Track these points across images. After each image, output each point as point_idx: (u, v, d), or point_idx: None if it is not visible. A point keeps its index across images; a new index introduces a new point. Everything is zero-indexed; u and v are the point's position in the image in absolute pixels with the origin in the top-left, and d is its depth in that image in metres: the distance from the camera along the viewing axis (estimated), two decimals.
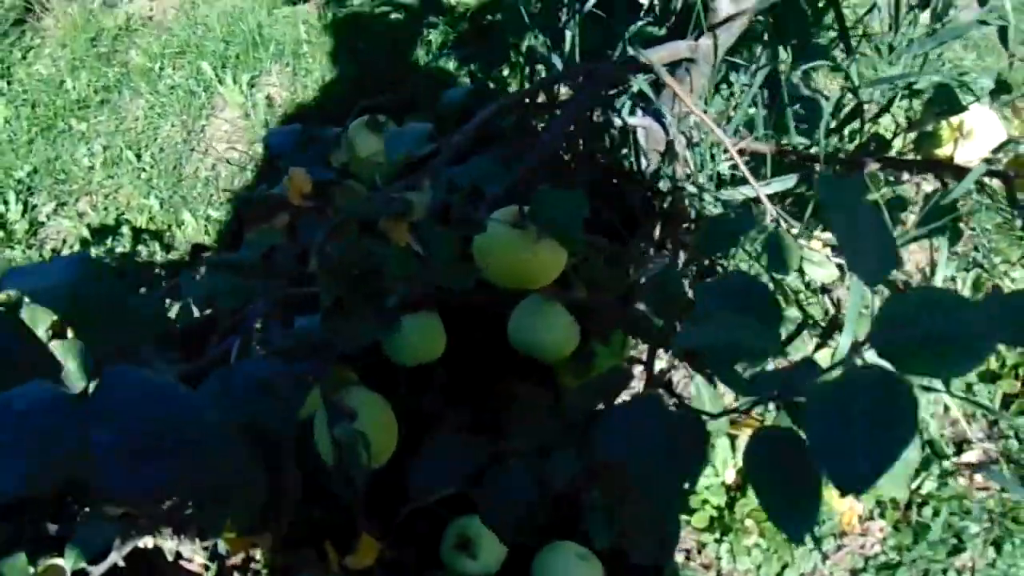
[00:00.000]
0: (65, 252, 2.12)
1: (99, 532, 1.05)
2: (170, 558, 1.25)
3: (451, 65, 2.53)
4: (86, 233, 2.15)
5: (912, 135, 1.41)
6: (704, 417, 0.90)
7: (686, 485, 0.87)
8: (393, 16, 2.81)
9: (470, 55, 2.49)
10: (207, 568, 1.32)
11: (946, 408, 1.73)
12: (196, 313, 0.99)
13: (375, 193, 0.92)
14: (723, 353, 0.83)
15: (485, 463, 1.03)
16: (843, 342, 0.86)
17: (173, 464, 0.50)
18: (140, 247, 2.12)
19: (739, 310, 0.81)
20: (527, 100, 1.36)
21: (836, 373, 0.66)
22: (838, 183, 0.68)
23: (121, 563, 1.08)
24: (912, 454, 0.84)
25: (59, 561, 1.08)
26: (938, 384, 1.57)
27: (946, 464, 1.62)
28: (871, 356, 0.68)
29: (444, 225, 0.92)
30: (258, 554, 1.37)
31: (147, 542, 1.12)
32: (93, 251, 2.11)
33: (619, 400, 1.13)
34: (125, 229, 2.15)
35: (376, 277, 0.81)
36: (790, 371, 0.85)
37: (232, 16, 2.81)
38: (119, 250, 2.12)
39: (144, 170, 2.32)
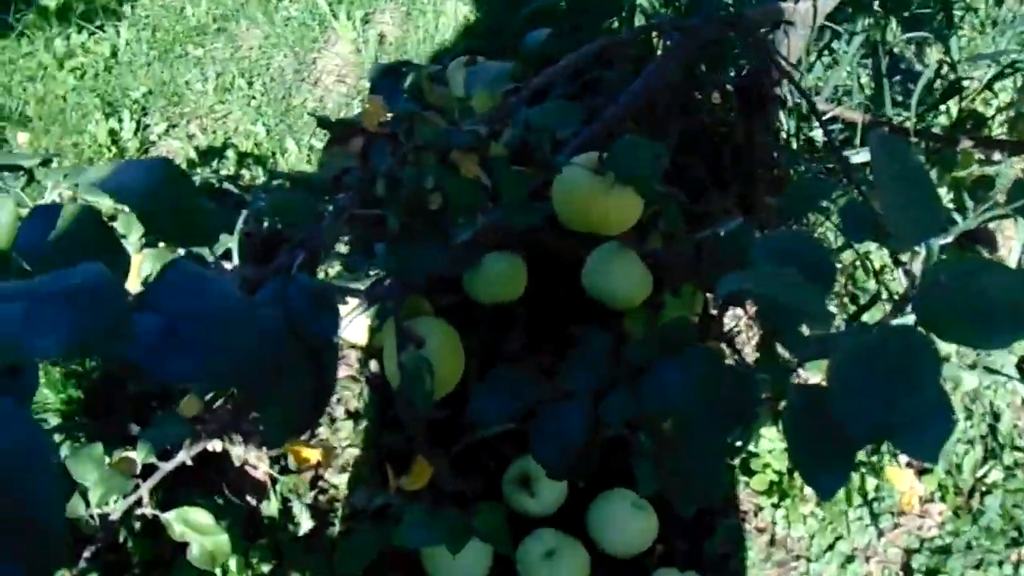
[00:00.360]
0: None
1: (170, 431, 1.11)
2: (237, 463, 1.31)
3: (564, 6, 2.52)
4: (193, 154, 2.22)
5: (1010, 114, 1.39)
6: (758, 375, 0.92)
7: (731, 439, 0.89)
8: None
9: (580, 5, 2.48)
10: (272, 479, 1.38)
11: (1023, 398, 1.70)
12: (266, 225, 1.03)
13: (451, 126, 0.95)
14: (763, 305, 0.84)
15: (543, 399, 1.05)
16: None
17: (212, 356, 0.54)
18: (244, 171, 2.18)
19: (790, 264, 0.81)
20: (620, 47, 1.37)
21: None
22: (891, 140, 0.69)
23: (189, 462, 1.14)
24: (946, 422, 0.84)
25: (131, 454, 1.14)
26: (1012, 371, 1.56)
27: (1016, 455, 1.60)
28: (910, 320, 0.69)
29: (521, 164, 0.95)
30: (324, 473, 1.42)
31: (215, 446, 1.17)
32: (199, 172, 2.18)
33: None
34: (231, 153, 2.22)
35: (441, 207, 0.84)
36: (843, 335, 0.86)
37: None
38: (223, 172, 2.18)
39: (254, 97, 2.38)
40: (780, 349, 1.09)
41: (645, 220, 1.19)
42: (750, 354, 1.45)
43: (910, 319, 0.69)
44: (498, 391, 1.07)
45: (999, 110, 1.45)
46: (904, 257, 1.22)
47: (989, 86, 1.51)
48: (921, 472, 1.55)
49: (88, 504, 1.14)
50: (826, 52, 1.67)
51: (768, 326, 1.03)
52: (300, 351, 0.65)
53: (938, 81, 1.56)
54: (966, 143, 1.37)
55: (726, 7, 1.34)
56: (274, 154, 2.21)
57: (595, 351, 1.12)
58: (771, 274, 0.77)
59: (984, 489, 1.55)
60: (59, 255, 0.57)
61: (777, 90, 1.47)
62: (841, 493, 1.49)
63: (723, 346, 1.14)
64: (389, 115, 0.88)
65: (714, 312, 1.31)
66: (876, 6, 1.57)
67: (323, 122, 0.94)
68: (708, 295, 1.28)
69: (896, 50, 1.54)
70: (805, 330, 1.00)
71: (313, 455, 1.32)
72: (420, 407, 1.04)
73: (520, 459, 1.46)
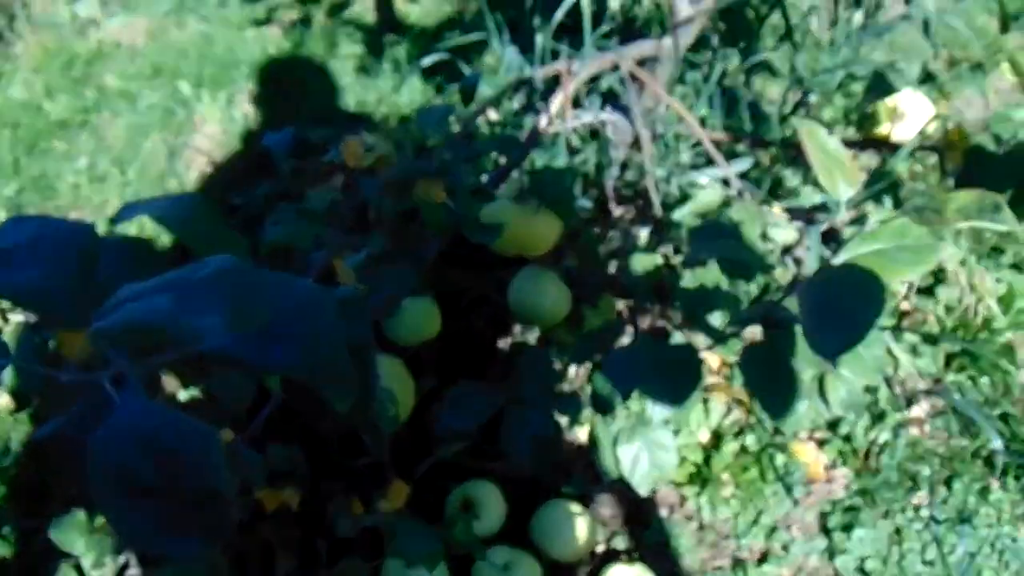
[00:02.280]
0: None
1: None
2: None
3: (418, 80, 2.66)
4: None
5: (852, 122, 1.58)
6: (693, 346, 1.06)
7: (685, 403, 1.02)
8: (356, 36, 2.95)
9: (436, 69, 2.62)
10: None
11: (895, 367, 1.89)
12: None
13: (412, 159, 1.06)
14: (706, 292, 0.99)
15: (502, 407, 1.17)
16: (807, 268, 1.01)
17: (298, 346, 0.63)
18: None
19: (725, 243, 0.96)
20: (517, 88, 1.50)
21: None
22: (808, 122, 0.84)
23: None
24: (878, 350, 1.00)
25: None
26: (888, 336, 1.74)
27: (898, 416, 1.79)
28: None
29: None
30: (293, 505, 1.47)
31: None
32: None
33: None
34: (119, 238, 2.26)
35: (417, 229, 0.95)
36: (762, 304, 1.02)
37: (203, 39, 2.93)
38: None
39: (129, 184, 2.42)
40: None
41: (561, 242, 1.32)
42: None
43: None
44: (461, 406, 1.19)
45: (844, 114, 1.64)
46: (789, 246, 1.38)
47: (829, 100, 1.70)
48: (821, 443, 1.72)
49: (82, 572, 1.18)
50: (680, 84, 1.85)
51: (687, 315, 1.18)
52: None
53: (785, 97, 1.75)
54: None
55: (605, 46, 1.48)
56: (160, 236, 2.26)
57: (538, 359, 1.24)
58: (719, 242, 0.91)
59: (877, 450, 1.72)
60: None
61: (638, 124, 1.62)
62: (755, 473, 1.64)
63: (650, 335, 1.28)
64: (363, 153, 0.99)
65: (629, 320, 1.45)
66: (716, 43, 1.75)
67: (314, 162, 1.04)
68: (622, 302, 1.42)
69: (740, 80, 1.72)
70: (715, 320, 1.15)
71: (290, 499, 1.38)
72: (387, 430, 1.13)
73: (460, 487, 1.56)
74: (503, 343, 1.80)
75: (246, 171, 2.42)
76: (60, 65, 2.87)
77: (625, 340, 1.48)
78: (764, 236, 1.35)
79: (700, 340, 1.15)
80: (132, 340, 0.56)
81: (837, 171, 0.82)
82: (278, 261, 0.94)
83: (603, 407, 1.14)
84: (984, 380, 1.90)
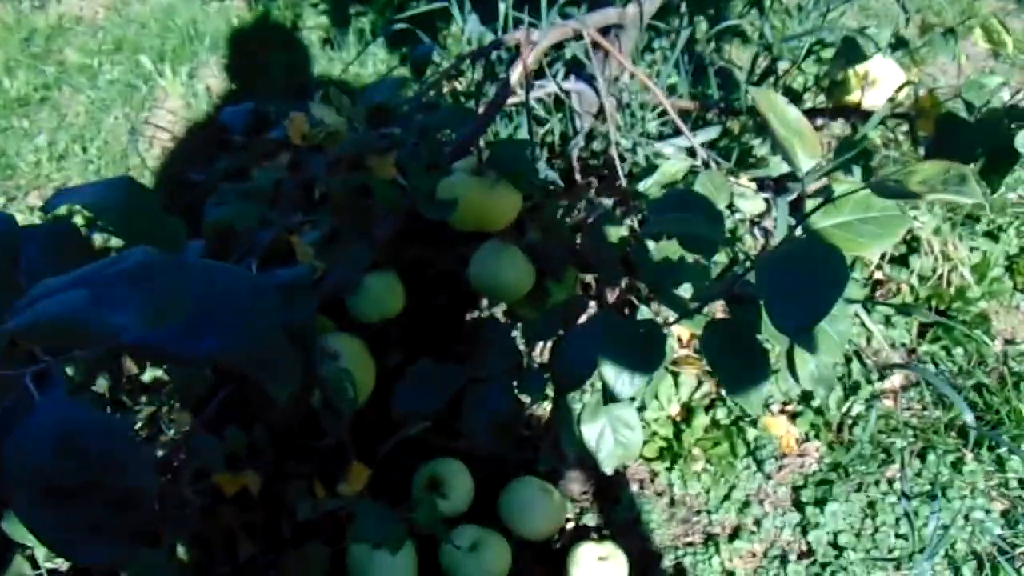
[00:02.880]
0: None
1: None
2: None
3: (383, 50, 2.62)
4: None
5: (822, 86, 1.55)
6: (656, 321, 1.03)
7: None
8: (321, 7, 2.90)
9: (402, 39, 2.58)
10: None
11: (868, 339, 1.87)
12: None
13: (362, 133, 1.03)
14: (670, 265, 0.96)
15: (462, 385, 1.14)
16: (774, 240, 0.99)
17: (227, 335, 0.60)
18: (96, 236, 2.18)
19: (688, 213, 0.93)
20: (475, 59, 1.47)
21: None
22: (766, 91, 0.81)
23: None
24: (842, 325, 0.98)
25: None
26: (860, 309, 1.72)
27: (872, 388, 1.77)
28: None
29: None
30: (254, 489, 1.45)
31: None
32: None
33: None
34: (78, 219, 2.21)
35: (366, 207, 0.92)
36: (727, 279, 0.99)
37: (165, 12, 2.88)
38: None
39: (91, 162, 2.38)
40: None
41: (522, 214, 1.29)
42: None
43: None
44: (421, 385, 1.16)
45: (813, 82, 1.61)
46: (756, 218, 1.35)
47: (798, 65, 1.66)
48: (793, 416, 1.70)
49: (36, 565, 1.15)
50: (648, 52, 1.81)
51: (652, 286, 1.15)
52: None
53: (757, 68, 1.71)
54: None
55: (570, 14, 1.44)
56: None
57: (501, 340, 1.21)
58: (679, 216, 0.88)
59: (851, 422, 1.70)
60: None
61: (604, 94, 1.59)
62: (726, 447, 1.62)
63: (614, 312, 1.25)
64: (307, 129, 0.95)
65: (594, 294, 1.42)
66: (684, 8, 1.72)
67: (252, 140, 1.00)
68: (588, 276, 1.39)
69: (710, 45, 1.69)
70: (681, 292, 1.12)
71: (250, 482, 1.35)
72: (346, 412, 1.10)
73: (427, 465, 1.53)
74: (469, 318, 1.77)
75: (208, 146, 2.38)
76: (19, 40, 2.81)
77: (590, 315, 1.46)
78: (731, 207, 1.32)
79: (667, 313, 1.12)
80: (48, 338, 0.54)
81: (797, 142, 0.79)
82: (224, 242, 0.91)
83: (565, 385, 1.11)
84: (959, 351, 1.89)
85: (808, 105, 1.72)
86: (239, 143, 1.21)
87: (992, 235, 2.18)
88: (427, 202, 1.00)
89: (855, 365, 1.77)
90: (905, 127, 1.52)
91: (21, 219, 2.10)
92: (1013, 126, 1.23)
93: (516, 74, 1.34)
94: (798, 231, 0.81)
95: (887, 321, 1.91)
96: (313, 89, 2.50)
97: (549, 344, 1.16)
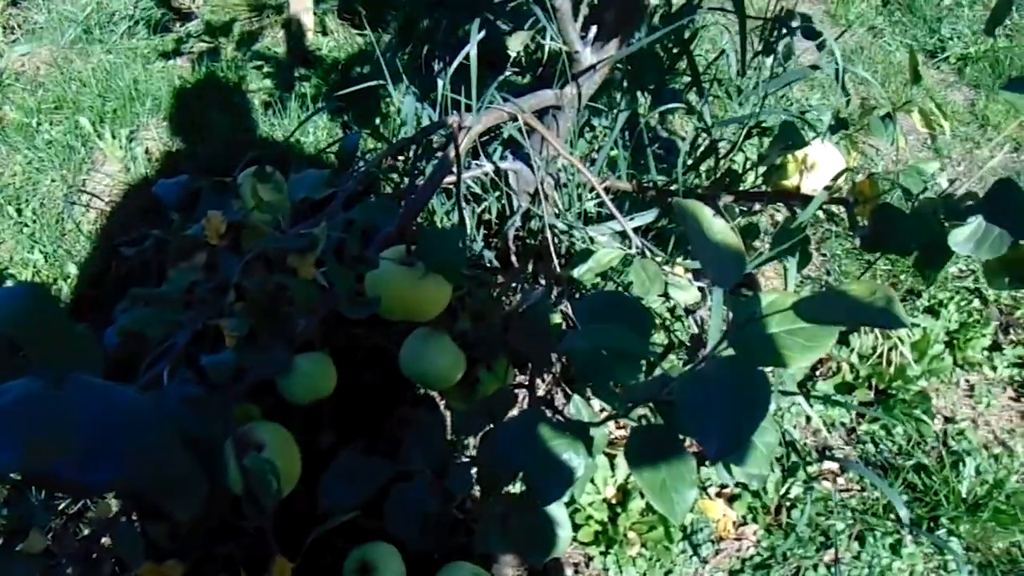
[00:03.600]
0: None
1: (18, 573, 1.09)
2: None
3: (324, 118, 2.61)
4: None
5: (762, 169, 1.54)
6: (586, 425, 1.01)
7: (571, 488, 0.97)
8: (266, 69, 2.89)
9: (343, 107, 2.58)
10: None
11: (808, 419, 1.86)
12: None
13: (281, 233, 1.01)
14: (603, 358, 0.94)
15: (388, 480, 1.11)
16: (708, 349, 0.97)
17: (124, 462, 0.57)
18: None
19: (613, 321, 0.91)
20: (408, 147, 1.45)
21: (701, 367, 0.77)
22: (692, 203, 0.79)
23: None
24: (770, 437, 0.96)
25: None
26: (799, 397, 1.71)
27: (811, 469, 1.76)
28: (728, 353, 0.80)
29: (340, 262, 1.01)
30: None
31: None
32: None
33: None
34: (9, 283, 2.17)
35: (285, 309, 0.90)
36: (657, 379, 0.97)
37: (107, 71, 2.85)
38: None
39: (26, 225, 2.33)
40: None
41: (453, 302, 1.27)
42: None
43: (727, 352, 0.80)
44: (346, 478, 1.13)
45: (753, 165, 1.61)
46: (692, 307, 1.34)
47: (738, 146, 1.66)
48: (731, 499, 1.68)
49: None
50: (588, 129, 1.81)
51: (584, 381, 1.13)
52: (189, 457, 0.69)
53: (696, 147, 1.71)
54: (727, 198, 1.52)
55: (514, 89, 1.43)
56: (55, 280, 2.17)
57: (430, 433, 1.19)
58: (603, 329, 0.86)
59: (789, 504, 1.69)
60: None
61: (541, 173, 1.58)
62: (661, 531, 1.60)
63: (543, 408, 1.22)
64: (224, 228, 0.93)
65: (525, 384, 1.40)
66: (626, 85, 1.71)
67: (162, 240, 0.98)
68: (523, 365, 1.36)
69: (652, 122, 1.69)
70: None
71: (173, 573, 1.31)
72: (268, 505, 1.07)
73: (357, 549, 1.49)
74: (400, 400, 1.74)
75: (145, 213, 2.34)
76: None
77: (521, 407, 1.43)
78: (665, 295, 1.31)
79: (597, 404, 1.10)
80: None
81: (724, 256, 0.77)
82: (133, 346, 0.88)
83: (491, 485, 1.08)
84: (898, 429, 1.88)
85: (747, 185, 1.72)
86: (171, 219, 1.18)
87: (933, 311, 2.19)
88: (348, 303, 0.98)
89: (793, 446, 1.76)
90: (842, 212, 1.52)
91: None
92: (947, 223, 1.22)
93: (450, 157, 1.33)
94: (720, 348, 0.79)
95: (826, 400, 1.90)
96: (255, 151, 2.48)
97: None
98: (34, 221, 2.34)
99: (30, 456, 0.50)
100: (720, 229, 0.81)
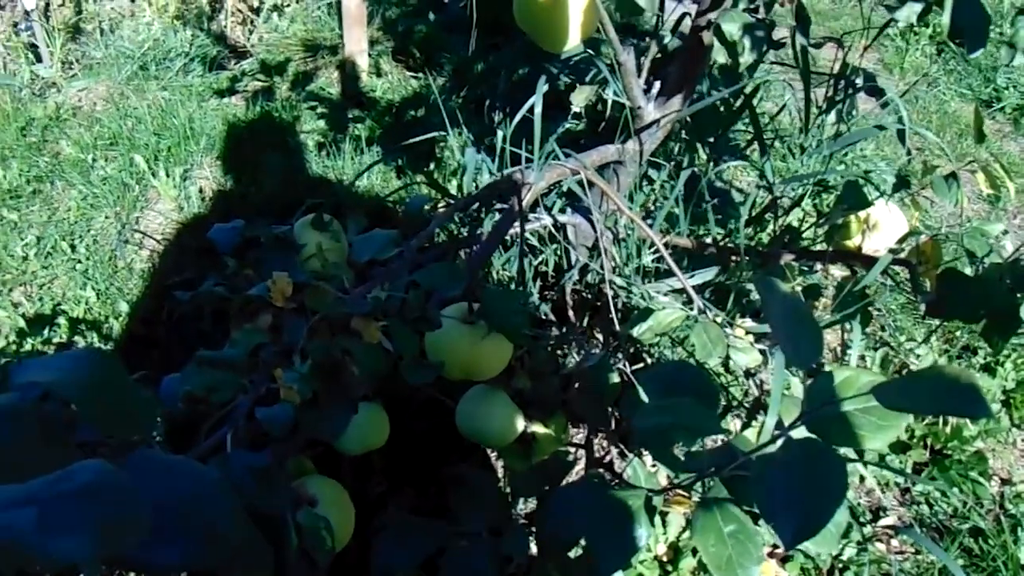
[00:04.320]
0: (0, 343, 2.13)
1: None
2: None
3: (377, 166, 2.62)
4: (22, 323, 2.17)
5: (822, 226, 1.52)
6: (648, 492, 0.99)
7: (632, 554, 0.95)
8: (319, 110, 2.90)
9: (396, 150, 2.58)
10: None
11: (862, 479, 1.83)
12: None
13: (344, 294, 1.00)
14: (672, 433, 0.92)
15: (443, 543, 1.10)
16: (768, 420, 0.95)
17: (194, 540, 0.57)
18: (77, 337, 2.15)
19: (680, 393, 0.90)
20: (468, 206, 1.45)
21: (775, 446, 0.75)
22: (771, 282, 0.78)
23: None
24: (840, 516, 0.94)
25: None
26: (852, 454, 1.68)
27: (865, 531, 1.72)
28: (801, 432, 0.78)
29: (403, 322, 1.00)
30: None
31: None
32: (29, 342, 2.13)
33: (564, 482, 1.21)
34: (62, 320, 2.18)
35: (349, 373, 0.89)
36: (723, 449, 0.95)
37: (163, 108, 2.88)
38: (56, 340, 2.14)
39: (79, 261, 2.35)
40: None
41: (512, 360, 1.25)
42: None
43: (799, 431, 0.78)
44: (399, 542, 1.12)
45: (813, 224, 1.59)
46: (753, 370, 1.32)
47: (799, 203, 1.65)
48: (784, 560, 1.65)
49: None
50: (645, 182, 1.80)
51: (647, 448, 1.11)
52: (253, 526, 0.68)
53: (756, 203, 1.70)
54: (788, 256, 1.50)
55: (568, 156, 1.42)
56: (107, 318, 2.18)
57: (483, 491, 1.17)
58: (674, 405, 0.85)
59: (841, 566, 1.66)
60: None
61: (600, 227, 1.57)
62: None
63: (602, 471, 1.21)
64: (291, 290, 0.92)
65: (582, 443, 1.39)
66: (686, 139, 1.70)
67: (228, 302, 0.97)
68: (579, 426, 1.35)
69: (712, 176, 1.67)
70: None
71: None
72: (322, 563, 1.06)
73: None
74: (453, 446, 1.73)
75: (197, 254, 2.35)
76: (16, 129, 2.80)
77: (579, 469, 1.42)
78: (727, 359, 1.29)
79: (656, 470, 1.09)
80: None
81: (801, 334, 0.76)
82: (197, 407, 0.87)
83: (550, 551, 1.07)
84: (954, 491, 1.84)
85: (806, 242, 1.70)
86: (228, 265, 1.18)
87: (989, 368, 2.15)
88: (412, 368, 0.97)
89: (848, 507, 1.73)
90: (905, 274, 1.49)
91: (2, 315, 2.09)
92: (1019, 295, 1.20)
93: (512, 214, 1.32)
94: (796, 430, 0.78)
95: (881, 459, 1.87)
96: (308, 194, 2.48)
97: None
98: (87, 258, 2.36)
99: (103, 540, 0.49)
100: (799, 308, 0.79)
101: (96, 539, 0.48)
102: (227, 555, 0.61)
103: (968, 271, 1.32)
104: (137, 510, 0.51)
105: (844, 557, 1.68)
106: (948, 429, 1.93)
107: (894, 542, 1.76)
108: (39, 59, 3.10)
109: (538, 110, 1.48)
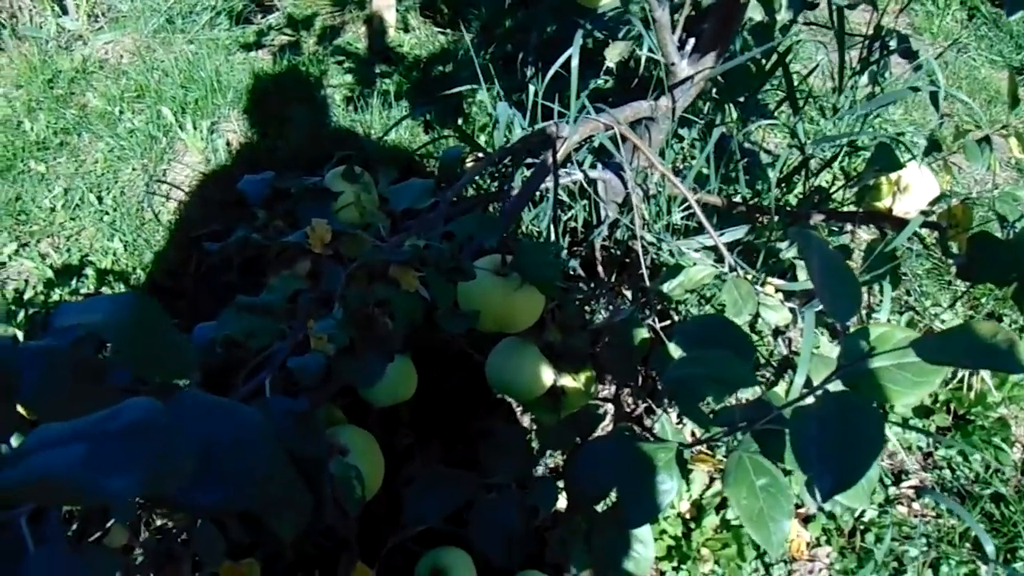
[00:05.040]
0: (28, 293, 2.15)
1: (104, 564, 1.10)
2: None
3: (405, 114, 2.61)
4: (50, 274, 2.18)
5: (852, 188, 1.52)
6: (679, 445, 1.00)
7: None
8: (347, 64, 2.90)
9: (424, 104, 2.58)
10: None
11: (884, 442, 1.84)
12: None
13: (381, 242, 1.01)
14: (702, 387, 0.93)
15: (472, 495, 1.11)
16: (798, 378, 0.96)
17: (235, 483, 0.57)
18: (105, 288, 2.16)
19: (713, 347, 0.90)
20: (503, 159, 1.45)
21: (811, 400, 0.76)
22: (809, 235, 0.78)
23: None
24: (873, 472, 0.94)
25: None
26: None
27: (888, 492, 1.73)
28: (836, 386, 0.79)
29: (437, 271, 1.00)
30: None
31: None
32: (57, 292, 2.14)
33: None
34: (90, 271, 2.19)
35: (385, 321, 0.89)
36: (754, 404, 0.96)
37: (189, 61, 2.87)
38: (83, 291, 2.16)
39: (107, 213, 2.36)
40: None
41: (543, 313, 1.26)
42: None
43: (835, 385, 0.79)
44: (429, 492, 1.13)
45: (843, 185, 1.59)
46: (782, 328, 1.32)
47: (829, 164, 1.64)
48: (805, 520, 1.66)
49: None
50: (675, 140, 1.79)
51: (679, 404, 1.12)
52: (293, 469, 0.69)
53: (787, 163, 1.69)
54: (818, 217, 1.50)
55: (600, 111, 1.42)
56: (135, 269, 2.19)
57: (511, 444, 1.18)
58: (710, 357, 0.85)
59: (863, 527, 1.66)
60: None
61: (631, 184, 1.57)
62: (734, 549, 1.58)
63: (632, 425, 1.22)
64: (329, 237, 0.93)
65: (611, 398, 1.39)
66: (715, 97, 1.69)
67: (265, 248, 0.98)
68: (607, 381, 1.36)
69: (742, 136, 1.67)
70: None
71: (251, 572, 1.32)
72: (352, 512, 1.07)
73: (429, 553, 1.49)
74: (480, 399, 1.74)
75: (223, 206, 2.35)
76: (43, 82, 2.80)
77: (607, 423, 1.43)
78: (755, 318, 1.29)
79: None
80: (39, 496, 0.50)
81: (840, 288, 0.76)
82: (235, 352, 0.88)
83: (580, 502, 1.08)
84: (976, 456, 1.85)
85: (835, 204, 1.70)
86: (257, 216, 1.19)
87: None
88: (447, 317, 0.98)
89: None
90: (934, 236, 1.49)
91: (31, 266, 2.10)
92: None
93: (544, 168, 1.32)
94: (832, 383, 0.78)
95: (904, 423, 1.87)
96: (336, 147, 2.48)
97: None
98: (115, 209, 2.37)
99: (150, 479, 0.49)
100: (839, 263, 0.79)
101: (143, 478, 0.49)
102: (268, 498, 0.62)
103: (999, 235, 1.32)
104: (183, 451, 0.51)
105: (866, 519, 1.69)
106: (972, 395, 1.93)
107: (915, 505, 1.77)
108: (65, 11, 3.10)
109: (575, 63, 1.47)
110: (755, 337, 1.88)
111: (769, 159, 1.70)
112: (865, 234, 1.77)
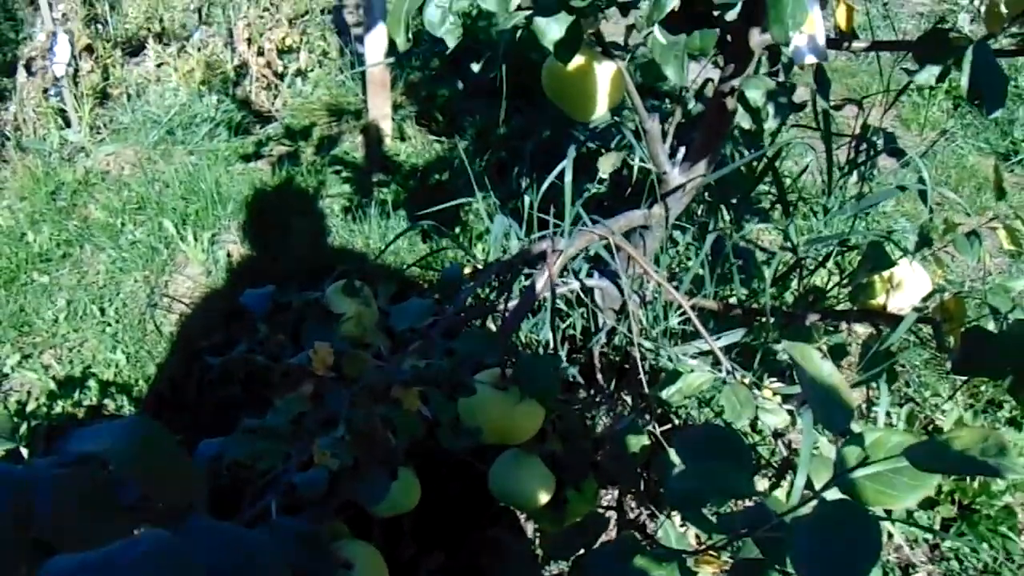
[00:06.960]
0: (31, 405, 2.15)
1: None
2: None
3: (404, 223, 2.64)
4: (52, 386, 2.19)
5: (846, 285, 1.54)
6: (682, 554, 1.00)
7: None
8: (344, 174, 2.94)
9: (421, 217, 2.61)
10: None
11: (890, 535, 1.83)
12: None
13: (382, 361, 1.02)
14: (707, 496, 0.94)
15: None
16: (798, 481, 0.97)
17: None
18: (107, 400, 2.17)
19: (712, 455, 0.91)
20: (502, 272, 1.47)
21: (808, 508, 0.77)
22: (801, 346, 0.80)
23: None
24: (874, 571, 0.95)
25: None
26: (880, 512, 1.68)
27: None
28: (833, 492, 0.80)
29: (436, 388, 1.02)
30: None
31: None
32: (60, 404, 2.15)
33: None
34: (92, 383, 2.20)
35: (388, 440, 0.91)
36: (755, 509, 0.96)
37: (190, 173, 2.92)
38: (86, 403, 2.17)
39: (109, 324, 2.38)
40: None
41: (544, 424, 1.27)
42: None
43: (831, 492, 0.80)
44: None
45: (837, 283, 1.61)
46: (781, 430, 1.33)
47: (823, 263, 1.66)
48: None
49: None
50: (670, 244, 1.82)
51: (680, 510, 1.12)
52: None
53: (779, 264, 1.71)
54: (814, 317, 1.51)
55: (595, 221, 1.44)
56: (137, 381, 2.21)
57: (515, 554, 1.19)
58: (710, 469, 0.86)
59: None
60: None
61: (627, 291, 1.59)
62: None
63: (635, 533, 1.22)
64: (332, 360, 0.95)
65: (613, 506, 1.39)
66: (709, 200, 1.72)
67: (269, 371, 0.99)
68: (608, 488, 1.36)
69: (737, 239, 1.69)
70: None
71: None
72: None
73: None
74: (483, 509, 1.74)
75: (225, 318, 2.37)
76: (46, 193, 2.85)
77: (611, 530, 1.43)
78: (755, 420, 1.30)
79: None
80: None
81: (832, 400, 0.78)
82: (241, 473, 0.89)
83: None
84: (984, 546, 1.84)
85: (830, 301, 1.72)
86: (259, 330, 1.20)
87: (1016, 423, 2.15)
88: (449, 434, 0.99)
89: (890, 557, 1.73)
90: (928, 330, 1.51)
91: (33, 377, 2.12)
92: None
93: (542, 281, 1.34)
94: (828, 491, 0.79)
95: (909, 516, 1.87)
96: (336, 260, 2.51)
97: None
98: (117, 321, 2.39)
99: None
100: (829, 374, 0.81)
101: None
102: None
103: (992, 327, 1.33)
104: (195, 570, 0.52)
105: None
106: (976, 484, 1.93)
107: None
108: (68, 124, 3.16)
109: (568, 177, 1.50)
110: (756, 436, 1.88)
111: (764, 256, 1.72)
112: (861, 328, 1.79)
